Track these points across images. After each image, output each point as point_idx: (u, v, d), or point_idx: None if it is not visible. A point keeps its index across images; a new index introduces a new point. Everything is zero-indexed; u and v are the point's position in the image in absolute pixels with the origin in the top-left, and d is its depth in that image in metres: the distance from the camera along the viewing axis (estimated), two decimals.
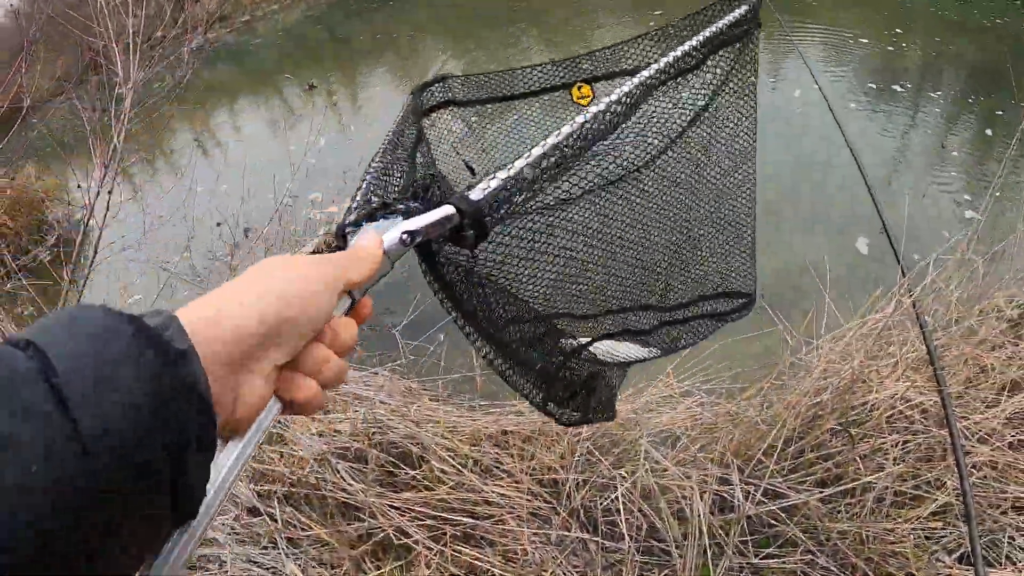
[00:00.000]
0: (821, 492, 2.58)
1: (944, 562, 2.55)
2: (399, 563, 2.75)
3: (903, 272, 2.66)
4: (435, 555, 2.68)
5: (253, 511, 3.07)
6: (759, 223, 1.28)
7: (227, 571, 2.86)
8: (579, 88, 1.25)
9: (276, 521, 2.98)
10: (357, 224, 0.65)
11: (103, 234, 4.20)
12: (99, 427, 0.36)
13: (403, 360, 3.65)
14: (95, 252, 4.04)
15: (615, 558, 2.57)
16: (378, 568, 2.80)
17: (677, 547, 2.47)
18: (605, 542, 2.51)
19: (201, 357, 0.43)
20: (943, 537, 2.53)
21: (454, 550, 2.69)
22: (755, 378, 3.18)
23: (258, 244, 4.94)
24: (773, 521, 2.61)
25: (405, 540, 2.77)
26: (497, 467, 2.85)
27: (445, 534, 2.75)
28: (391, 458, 2.99)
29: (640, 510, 2.55)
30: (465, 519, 2.76)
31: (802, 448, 2.74)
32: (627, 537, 2.53)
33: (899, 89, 7.05)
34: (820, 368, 3.02)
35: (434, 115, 1.29)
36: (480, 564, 2.63)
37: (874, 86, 7.13)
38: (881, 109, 6.68)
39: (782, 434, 2.75)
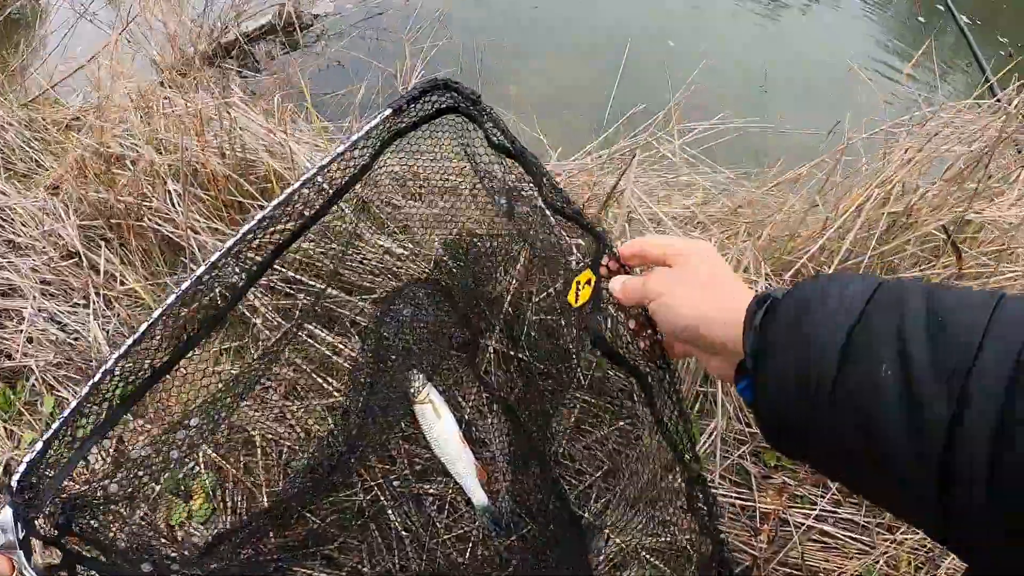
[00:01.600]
0: None
1: None
2: (237, 342, 1.89)
3: None
4: (284, 338, 1.81)
5: (71, 256, 2.21)
6: None
7: (21, 328, 2.03)
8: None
9: (98, 273, 2.12)
10: None
11: None
12: None
13: None
14: None
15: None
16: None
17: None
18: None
19: None
20: None
21: (310, 335, 1.81)
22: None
23: None
24: None
25: (243, 311, 1.89)
26: (398, 211, 1.86)
27: (296, 308, 1.86)
28: (242, 180, 2.06)
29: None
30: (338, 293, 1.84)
31: (870, 264, 1.71)
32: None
33: None
34: (903, 151, 1.87)
35: None
36: (343, 353, 1.75)
37: None
38: None
39: (840, 240, 1.72)
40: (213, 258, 0.94)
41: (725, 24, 5.09)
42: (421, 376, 1.51)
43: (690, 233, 1.98)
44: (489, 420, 1.47)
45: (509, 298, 1.48)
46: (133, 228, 2.16)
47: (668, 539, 1.08)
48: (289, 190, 0.95)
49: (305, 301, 1.98)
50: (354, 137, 0.98)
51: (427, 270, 1.73)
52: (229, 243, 0.95)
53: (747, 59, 4.45)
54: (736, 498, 1.49)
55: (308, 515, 1.51)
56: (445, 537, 1.46)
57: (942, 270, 1.61)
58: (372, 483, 1.53)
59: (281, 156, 2.34)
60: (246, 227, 0.95)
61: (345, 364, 1.76)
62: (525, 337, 1.44)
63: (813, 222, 1.87)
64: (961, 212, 1.65)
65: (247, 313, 2.00)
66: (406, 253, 1.80)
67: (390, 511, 1.49)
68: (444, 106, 1.00)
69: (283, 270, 1.94)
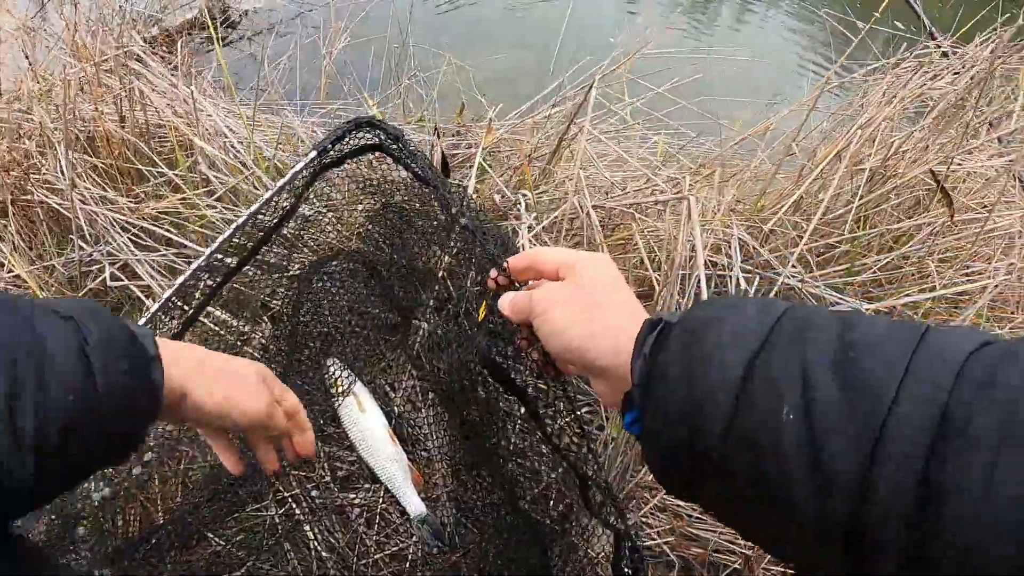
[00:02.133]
0: (907, 296, 1.35)
1: None
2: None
3: None
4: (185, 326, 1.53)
5: None
6: None
7: None
8: None
9: None
10: None
11: None
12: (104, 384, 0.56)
13: None
14: None
15: None
16: None
17: None
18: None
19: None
20: None
21: (215, 322, 1.53)
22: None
23: None
24: None
25: (127, 282, 1.59)
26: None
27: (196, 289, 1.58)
28: (142, 145, 1.76)
29: None
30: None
31: (852, 218, 1.51)
32: None
33: None
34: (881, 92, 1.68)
35: None
36: (252, 342, 1.48)
37: None
38: None
39: (819, 192, 1.52)
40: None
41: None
42: (342, 365, 1.26)
43: (655, 187, 1.75)
44: (423, 413, 1.22)
45: (443, 271, 1.23)
46: (18, 203, 1.83)
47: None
48: (221, 239, 1.03)
49: (209, 282, 1.71)
50: (281, 182, 1.03)
51: (350, 242, 1.47)
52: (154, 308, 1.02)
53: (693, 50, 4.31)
54: None
55: (210, 535, 1.26)
56: (376, 556, 1.21)
57: (934, 219, 1.43)
58: (286, 494, 1.27)
59: (188, 116, 2.05)
60: (180, 279, 1.03)
61: (255, 353, 1.49)
62: (465, 315, 1.20)
63: (786, 178, 1.68)
64: (949, 155, 1.47)
65: (142, 298, 1.71)
66: (327, 222, 1.54)
67: (308, 527, 1.24)
68: (368, 143, 1.04)
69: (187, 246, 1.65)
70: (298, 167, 1.02)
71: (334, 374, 1.24)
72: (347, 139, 1.03)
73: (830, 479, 0.42)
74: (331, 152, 1.03)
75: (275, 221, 1.09)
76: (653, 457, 0.55)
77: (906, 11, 2.88)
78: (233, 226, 1.02)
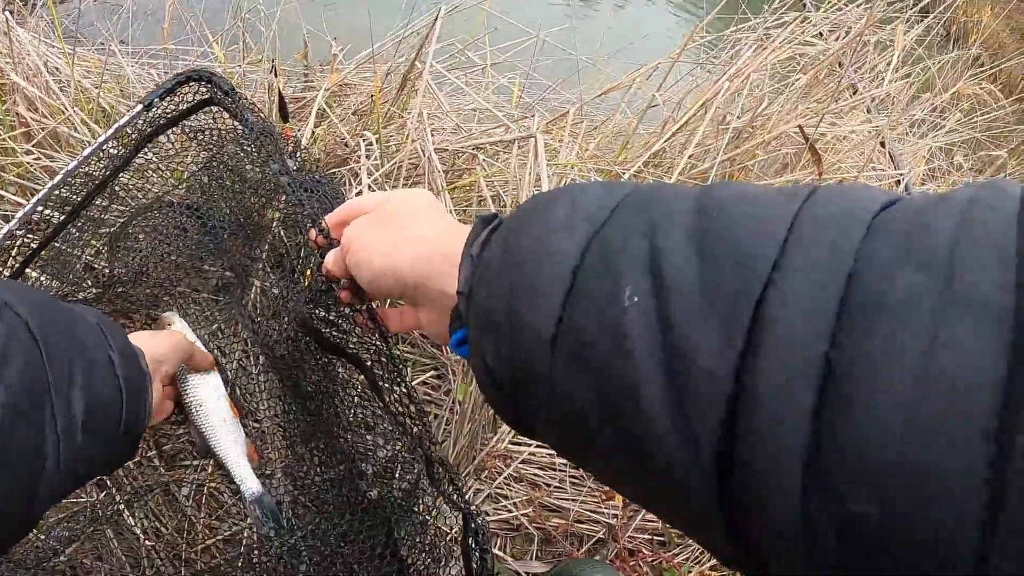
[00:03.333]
0: None
1: None
2: None
3: None
4: None
5: None
6: None
7: None
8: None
9: None
10: None
11: None
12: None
13: None
14: None
15: None
16: None
17: None
18: None
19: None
20: None
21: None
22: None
23: None
24: None
25: None
26: None
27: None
28: None
29: None
30: None
31: (716, 174, 1.47)
32: None
33: None
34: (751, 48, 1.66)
35: None
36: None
37: None
38: None
39: (683, 148, 1.48)
40: None
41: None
42: (174, 315, 1.11)
43: (502, 126, 1.63)
44: (256, 380, 1.10)
45: (278, 225, 1.10)
46: None
47: None
48: (40, 194, 0.97)
49: (27, 239, 1.49)
50: (101, 138, 0.98)
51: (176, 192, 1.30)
52: None
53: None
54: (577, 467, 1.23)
55: None
56: (209, 542, 1.09)
57: (801, 177, 1.42)
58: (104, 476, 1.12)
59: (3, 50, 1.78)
60: None
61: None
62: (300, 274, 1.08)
63: (650, 134, 1.63)
64: (818, 114, 1.46)
65: None
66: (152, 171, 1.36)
67: (130, 512, 1.10)
68: (202, 99, 0.98)
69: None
70: (121, 122, 0.97)
71: (170, 323, 1.09)
72: (176, 92, 0.98)
73: (690, 376, 0.30)
74: (157, 105, 0.98)
75: (106, 173, 1.03)
76: (483, 383, 0.44)
77: None
78: (53, 181, 0.97)
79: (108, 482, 1.13)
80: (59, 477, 0.54)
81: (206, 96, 0.98)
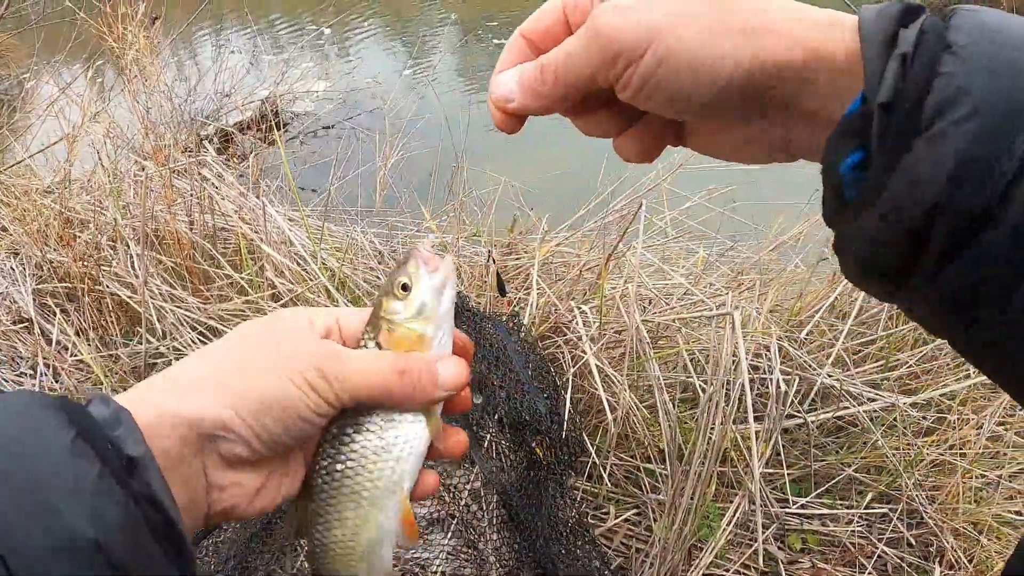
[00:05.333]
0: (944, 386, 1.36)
1: None
2: None
3: None
4: None
5: (23, 321, 2.06)
6: None
7: None
8: None
9: (49, 343, 1.96)
10: None
11: None
12: None
13: None
14: None
15: None
16: None
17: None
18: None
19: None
20: None
21: None
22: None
23: None
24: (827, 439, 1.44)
25: None
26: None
27: None
28: (210, 246, 1.92)
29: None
30: None
31: (886, 315, 1.54)
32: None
33: None
34: None
35: None
36: None
37: None
38: None
39: (852, 294, 1.57)
40: None
41: None
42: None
43: (698, 301, 1.81)
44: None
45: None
46: (90, 291, 2.01)
47: None
48: None
49: None
50: None
51: None
52: None
53: None
54: None
55: None
56: None
57: None
58: None
59: (253, 222, 2.22)
60: None
61: None
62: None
63: (821, 280, 1.73)
64: None
65: None
66: None
67: None
68: None
69: None
70: None
71: None
72: None
73: None
74: None
75: None
76: (901, 221, 0.34)
77: None
78: None
79: None
80: None
81: None
